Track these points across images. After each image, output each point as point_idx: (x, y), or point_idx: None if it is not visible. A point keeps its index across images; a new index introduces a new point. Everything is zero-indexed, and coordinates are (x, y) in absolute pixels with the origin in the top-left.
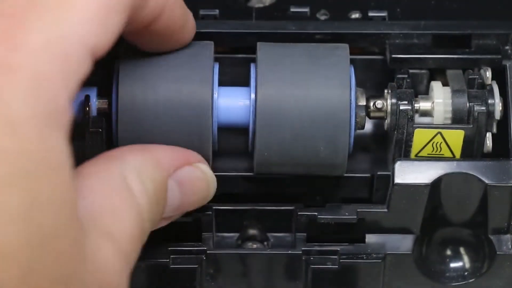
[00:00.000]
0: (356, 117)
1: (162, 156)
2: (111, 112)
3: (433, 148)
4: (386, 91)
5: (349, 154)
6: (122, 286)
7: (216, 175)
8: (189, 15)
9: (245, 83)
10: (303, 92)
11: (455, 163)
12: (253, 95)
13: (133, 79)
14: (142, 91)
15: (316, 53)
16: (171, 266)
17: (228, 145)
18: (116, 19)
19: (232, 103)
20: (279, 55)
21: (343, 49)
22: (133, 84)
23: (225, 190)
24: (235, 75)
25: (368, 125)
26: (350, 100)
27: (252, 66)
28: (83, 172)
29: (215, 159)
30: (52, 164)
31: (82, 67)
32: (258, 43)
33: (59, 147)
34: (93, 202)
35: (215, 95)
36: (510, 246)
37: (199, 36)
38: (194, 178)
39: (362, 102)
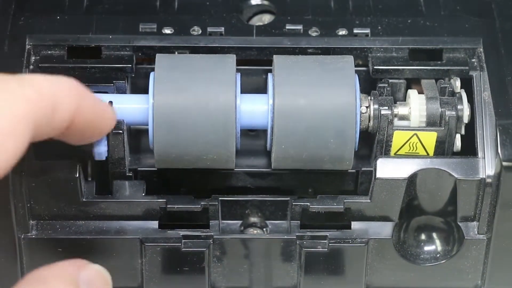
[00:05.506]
0: (361, 117)
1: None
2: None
3: (410, 148)
4: (369, 98)
5: (355, 150)
6: None
7: (237, 171)
8: (105, 109)
9: (259, 90)
10: (315, 94)
11: (429, 160)
12: (271, 101)
13: (167, 88)
14: (175, 99)
15: (325, 62)
16: (182, 249)
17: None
18: (12, 145)
19: (253, 108)
20: (292, 65)
21: (348, 58)
22: (168, 92)
23: (231, 184)
24: (249, 83)
25: None
26: (356, 100)
27: (270, 75)
28: None
29: (237, 157)
30: None
31: None
32: (274, 56)
33: None
34: None
35: (238, 101)
36: (476, 232)
37: (208, 50)
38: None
39: (365, 104)
